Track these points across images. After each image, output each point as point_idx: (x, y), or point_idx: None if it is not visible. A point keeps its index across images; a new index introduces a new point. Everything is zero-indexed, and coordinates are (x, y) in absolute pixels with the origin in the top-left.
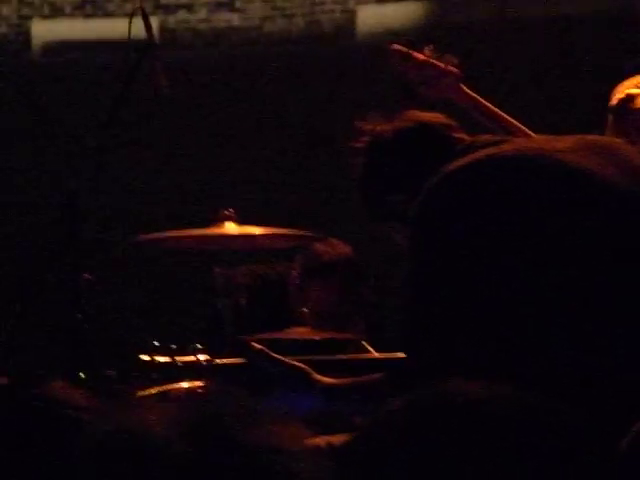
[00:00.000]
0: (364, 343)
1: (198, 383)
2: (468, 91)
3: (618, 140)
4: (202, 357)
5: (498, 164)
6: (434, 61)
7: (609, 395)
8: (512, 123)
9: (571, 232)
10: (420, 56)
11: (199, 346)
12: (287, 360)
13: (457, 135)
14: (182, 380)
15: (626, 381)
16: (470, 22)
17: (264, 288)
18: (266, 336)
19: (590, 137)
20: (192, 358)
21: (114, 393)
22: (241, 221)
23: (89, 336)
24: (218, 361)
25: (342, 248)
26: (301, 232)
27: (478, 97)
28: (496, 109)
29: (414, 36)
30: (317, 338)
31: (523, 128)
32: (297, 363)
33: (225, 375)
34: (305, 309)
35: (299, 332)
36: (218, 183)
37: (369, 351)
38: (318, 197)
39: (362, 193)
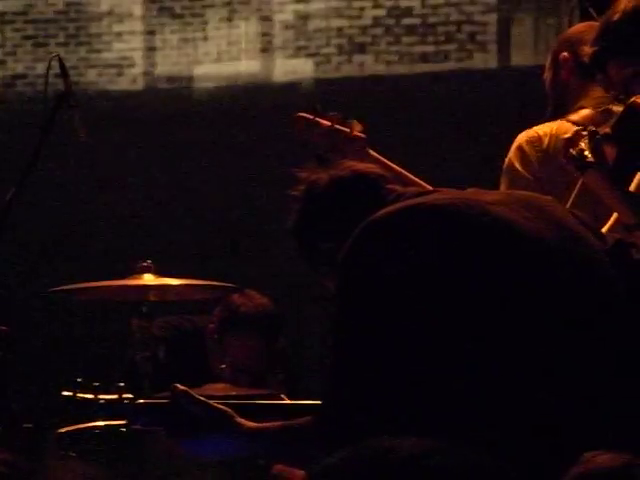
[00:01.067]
0: (283, 397)
1: (120, 422)
2: (376, 155)
3: (548, 197)
4: (125, 396)
5: (426, 212)
6: (340, 127)
7: (539, 445)
8: (425, 188)
9: (499, 284)
10: (326, 122)
11: (122, 385)
12: (211, 403)
13: (390, 187)
14: (103, 418)
15: (556, 430)
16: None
17: (181, 340)
18: None
19: (518, 193)
20: (115, 396)
21: (31, 446)
22: (159, 272)
23: (7, 389)
24: (141, 400)
25: (260, 300)
26: (219, 284)
27: (387, 161)
28: (407, 173)
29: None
30: (234, 394)
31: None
32: (221, 406)
33: (149, 417)
34: (223, 365)
35: (216, 389)
36: (136, 234)
37: None
38: (236, 248)
39: (297, 240)
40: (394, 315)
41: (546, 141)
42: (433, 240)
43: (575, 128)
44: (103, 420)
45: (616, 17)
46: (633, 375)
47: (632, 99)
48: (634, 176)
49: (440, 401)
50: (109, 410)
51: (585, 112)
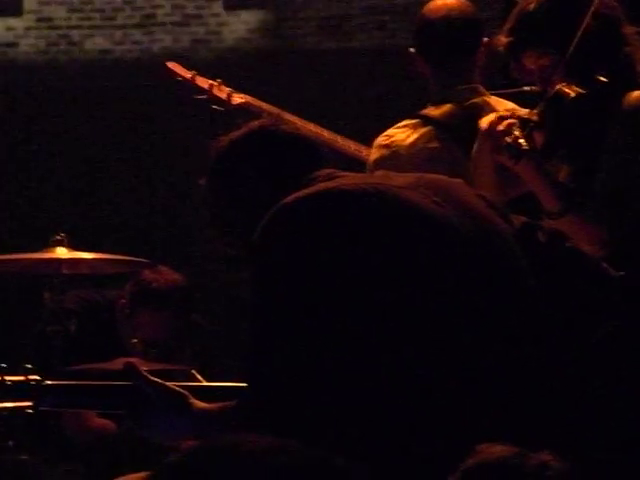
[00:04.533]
0: (194, 372)
1: (27, 403)
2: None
3: (457, 180)
4: (32, 377)
5: (335, 198)
6: (218, 95)
7: (432, 435)
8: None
9: (408, 269)
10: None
11: (30, 366)
12: (166, 384)
13: (320, 157)
14: (10, 399)
15: (452, 421)
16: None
17: (93, 314)
18: (93, 366)
19: (430, 176)
20: (22, 378)
21: None
22: (72, 246)
23: None
24: (49, 382)
25: (172, 275)
26: (131, 258)
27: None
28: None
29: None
30: (145, 369)
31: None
32: (175, 387)
33: (99, 398)
34: (135, 339)
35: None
36: (50, 207)
37: (199, 380)
38: (152, 224)
39: (215, 176)
40: (308, 300)
41: (395, 144)
42: (342, 225)
43: (505, 118)
44: (10, 402)
45: (531, 7)
46: (541, 361)
47: (557, 87)
48: (559, 160)
49: (356, 388)
50: (16, 391)
51: (447, 107)
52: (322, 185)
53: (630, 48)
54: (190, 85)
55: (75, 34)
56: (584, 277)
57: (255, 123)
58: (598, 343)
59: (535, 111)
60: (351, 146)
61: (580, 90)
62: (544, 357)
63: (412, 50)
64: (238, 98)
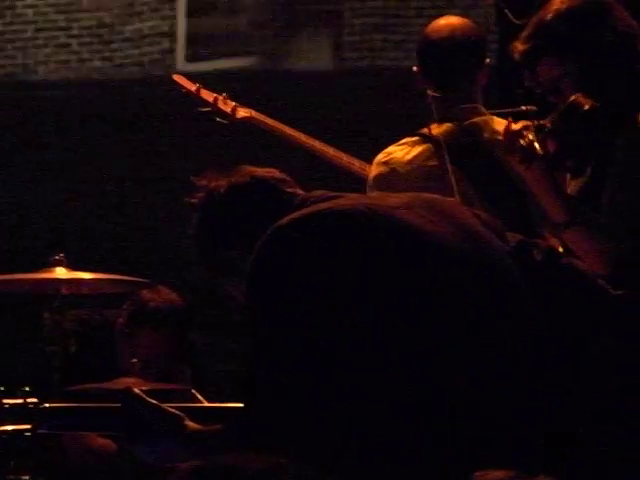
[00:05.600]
0: (194, 392)
1: (24, 426)
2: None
3: (452, 199)
4: (30, 400)
5: (331, 218)
6: (222, 108)
7: (431, 462)
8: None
9: (404, 289)
10: (207, 99)
11: (27, 389)
12: (161, 405)
13: (291, 190)
14: (7, 423)
15: (449, 445)
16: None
17: (93, 334)
18: (93, 386)
19: (425, 195)
20: (19, 400)
21: None
22: (71, 266)
23: None
24: (46, 405)
25: (169, 295)
26: (131, 278)
27: (277, 124)
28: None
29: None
30: (144, 389)
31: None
32: (170, 409)
33: (97, 420)
34: (134, 360)
35: (126, 383)
36: (49, 227)
37: (199, 400)
38: (151, 244)
39: (198, 249)
40: (303, 322)
41: (393, 161)
42: (337, 246)
43: (520, 122)
44: (9, 425)
45: (549, 17)
46: (536, 380)
47: (572, 97)
48: (565, 171)
49: (351, 408)
50: (14, 415)
51: (447, 126)
52: (316, 206)
53: None
54: (195, 97)
55: None
56: (581, 294)
57: (251, 171)
58: (595, 360)
59: (549, 118)
60: (355, 164)
61: (595, 103)
62: (541, 374)
63: (415, 68)
64: (243, 112)
